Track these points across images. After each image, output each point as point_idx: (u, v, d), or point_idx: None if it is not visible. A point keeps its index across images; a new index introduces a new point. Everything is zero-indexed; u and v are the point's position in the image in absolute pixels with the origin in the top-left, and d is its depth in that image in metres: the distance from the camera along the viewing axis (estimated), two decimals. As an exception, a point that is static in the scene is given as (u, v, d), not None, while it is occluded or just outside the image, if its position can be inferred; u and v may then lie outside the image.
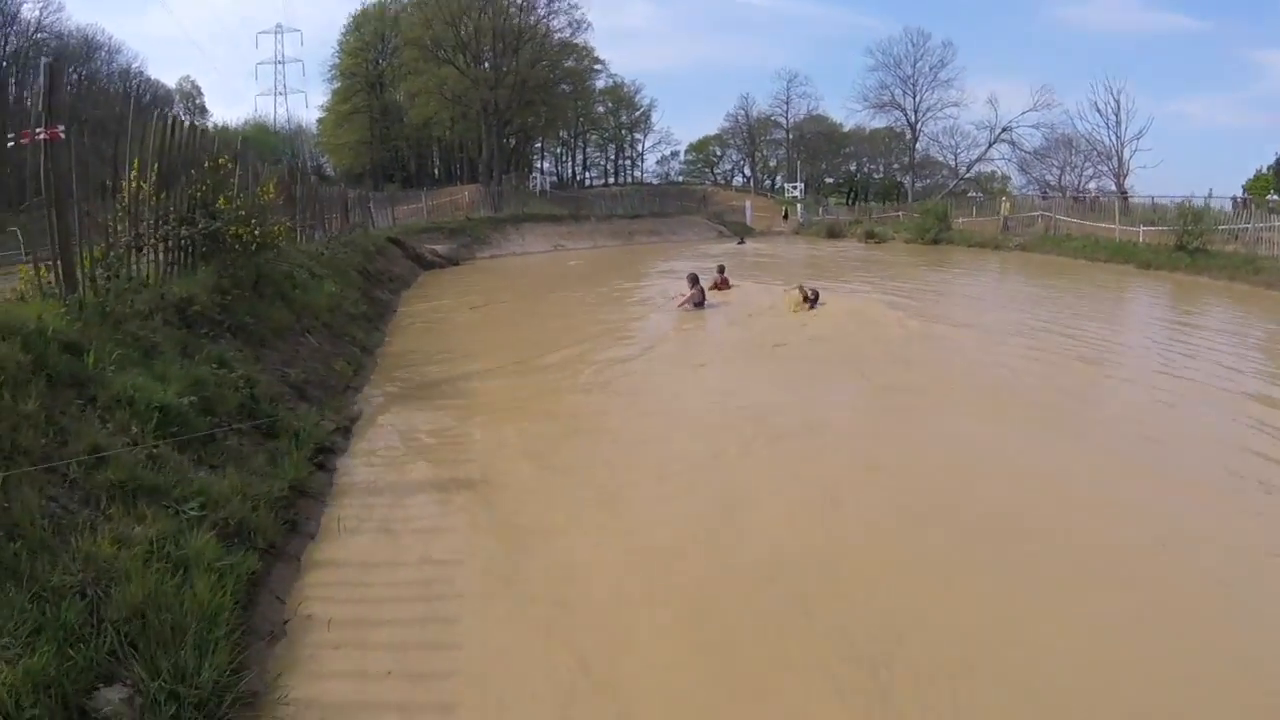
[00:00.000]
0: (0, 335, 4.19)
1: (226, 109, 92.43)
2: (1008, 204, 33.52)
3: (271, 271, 8.67)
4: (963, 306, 14.98)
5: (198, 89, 60.79)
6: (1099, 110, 42.58)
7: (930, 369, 8.92)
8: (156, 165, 6.81)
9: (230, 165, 7.39)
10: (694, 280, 13.17)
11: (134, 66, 52.11)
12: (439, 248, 25.94)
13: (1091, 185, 44.28)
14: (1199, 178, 79.53)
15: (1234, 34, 70.42)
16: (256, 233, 7.34)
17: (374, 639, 3.59)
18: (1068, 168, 47.33)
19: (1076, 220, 28.24)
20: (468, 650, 3.53)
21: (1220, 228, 21.66)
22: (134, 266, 6.46)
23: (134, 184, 6.46)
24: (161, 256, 6.99)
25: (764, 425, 6.66)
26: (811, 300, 12.44)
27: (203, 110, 60.57)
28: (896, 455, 6.02)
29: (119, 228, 6.15)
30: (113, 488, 3.79)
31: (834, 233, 38.82)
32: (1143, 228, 24.05)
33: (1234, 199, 29.44)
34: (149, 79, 54.20)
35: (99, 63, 47.89)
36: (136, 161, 6.48)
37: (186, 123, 7.41)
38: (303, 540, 4.57)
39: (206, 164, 7.41)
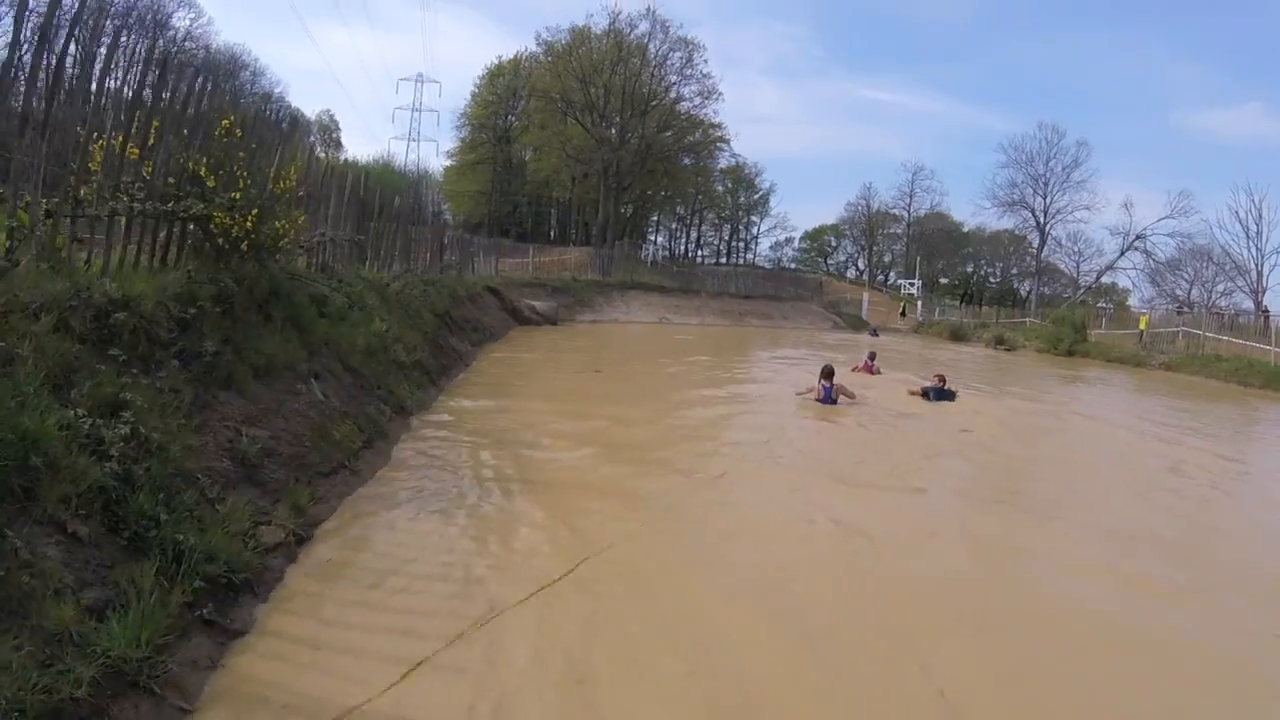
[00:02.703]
0: None
1: (362, 146, 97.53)
2: (1144, 318, 30.79)
3: (293, 289, 6.47)
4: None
5: (335, 123, 62.81)
6: (1239, 219, 38.70)
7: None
8: (136, 116, 4.80)
9: (239, 135, 5.21)
10: (828, 373, 10.64)
11: (276, 91, 54.24)
12: (538, 304, 24.17)
13: (1223, 302, 40.68)
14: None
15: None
16: (249, 226, 5.04)
17: None
18: (1198, 281, 43.66)
19: (1225, 339, 25.27)
20: None
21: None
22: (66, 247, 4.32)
23: (89, 132, 4.40)
24: (126, 239, 4.88)
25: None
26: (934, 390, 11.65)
27: (338, 144, 62.95)
28: None
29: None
30: None
31: (958, 335, 35.89)
32: None
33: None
34: (289, 105, 56.56)
35: (243, 81, 49.81)
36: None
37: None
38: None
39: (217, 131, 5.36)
